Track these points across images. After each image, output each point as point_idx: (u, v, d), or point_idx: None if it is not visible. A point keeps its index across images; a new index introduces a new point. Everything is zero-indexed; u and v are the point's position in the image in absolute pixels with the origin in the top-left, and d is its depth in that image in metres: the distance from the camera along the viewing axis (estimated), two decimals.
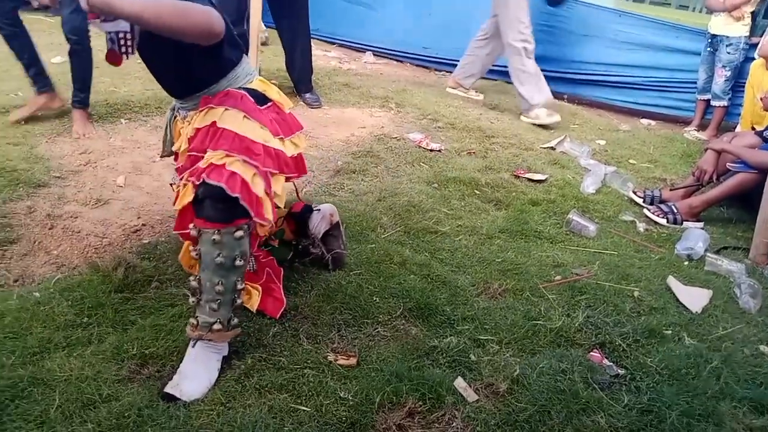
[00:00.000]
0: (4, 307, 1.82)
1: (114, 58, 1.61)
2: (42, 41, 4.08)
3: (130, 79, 4.22)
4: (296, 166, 1.83)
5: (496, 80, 5.43)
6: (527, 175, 3.29)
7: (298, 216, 2.13)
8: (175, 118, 1.87)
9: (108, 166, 2.90)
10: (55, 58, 4.58)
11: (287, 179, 1.80)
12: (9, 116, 3.25)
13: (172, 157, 1.96)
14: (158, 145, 1.93)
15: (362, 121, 3.96)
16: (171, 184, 2.01)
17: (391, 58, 5.98)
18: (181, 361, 1.63)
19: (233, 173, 1.55)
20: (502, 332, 1.92)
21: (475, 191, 3.02)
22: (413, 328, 1.92)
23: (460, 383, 1.67)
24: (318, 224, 2.14)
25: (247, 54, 1.93)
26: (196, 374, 1.59)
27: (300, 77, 4.19)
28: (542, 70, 4.44)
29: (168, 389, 1.54)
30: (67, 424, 1.41)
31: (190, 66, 1.68)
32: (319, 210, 2.15)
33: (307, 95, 4.19)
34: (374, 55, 5.97)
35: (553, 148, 3.86)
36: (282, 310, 1.89)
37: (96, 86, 3.95)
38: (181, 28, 1.46)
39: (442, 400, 1.61)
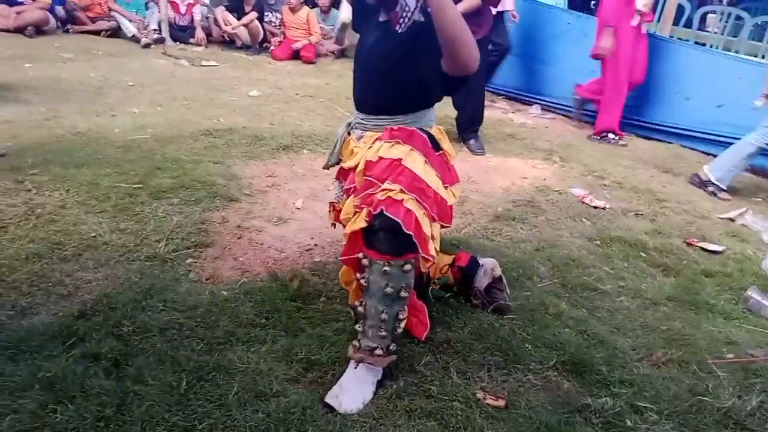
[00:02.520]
0: (198, 300, 2.08)
1: (395, 20, 1.76)
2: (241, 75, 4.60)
3: (313, 115, 4.65)
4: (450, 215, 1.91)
5: (671, 143, 5.17)
6: (701, 244, 3.07)
7: (465, 269, 2.20)
8: (348, 135, 2.00)
9: (290, 189, 3.20)
10: (252, 91, 5.19)
11: (442, 226, 1.89)
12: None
13: (335, 169, 2.09)
14: (334, 175, 2.12)
15: (524, 172, 3.97)
16: (331, 203, 2.14)
17: (557, 112, 5.94)
18: (341, 372, 1.75)
19: (409, 210, 1.65)
20: (663, 402, 1.81)
21: (641, 254, 2.89)
22: (566, 382, 1.88)
23: None
24: (481, 278, 2.20)
25: None
26: (354, 391, 1.70)
27: (468, 124, 4.33)
28: (721, 137, 4.11)
29: (328, 399, 1.66)
30: (242, 410, 1.58)
31: (411, 80, 1.80)
32: (482, 266, 2.21)
33: (472, 142, 4.30)
34: (542, 108, 5.96)
35: (732, 220, 3.57)
36: (426, 333, 1.94)
37: (284, 120, 4.43)
38: (459, 42, 1.62)
39: None
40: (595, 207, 3.43)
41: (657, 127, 5.29)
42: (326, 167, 2.14)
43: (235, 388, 1.65)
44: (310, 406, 1.62)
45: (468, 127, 4.34)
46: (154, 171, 3.09)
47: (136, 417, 1.49)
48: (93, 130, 3.65)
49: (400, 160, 1.74)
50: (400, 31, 1.75)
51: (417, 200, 1.69)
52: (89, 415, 1.49)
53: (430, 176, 1.76)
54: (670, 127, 5.20)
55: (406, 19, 1.73)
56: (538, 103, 6.03)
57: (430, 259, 1.74)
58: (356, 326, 1.77)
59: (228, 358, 1.77)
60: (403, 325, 1.77)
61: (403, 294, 1.71)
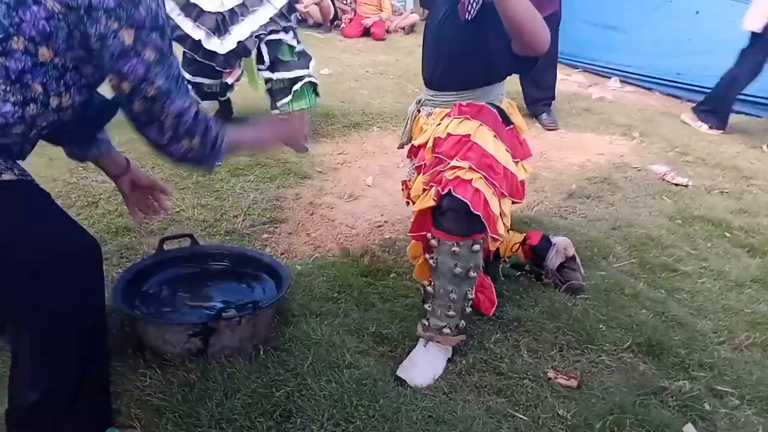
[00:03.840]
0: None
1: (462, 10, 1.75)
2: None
3: (383, 93, 4.67)
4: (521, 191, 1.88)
5: (759, 116, 4.84)
6: None
7: (536, 247, 2.16)
8: (418, 112, 1.99)
9: (360, 167, 3.25)
10: (324, 69, 5.24)
11: (513, 202, 1.86)
12: None
13: (406, 147, 2.09)
14: (403, 153, 2.12)
15: (600, 148, 3.84)
16: (403, 181, 2.14)
17: (638, 85, 5.67)
18: (411, 347, 1.78)
19: (477, 190, 1.63)
20: (745, 387, 1.73)
21: (725, 233, 2.74)
22: (641, 363, 1.83)
23: (690, 430, 1.56)
24: (553, 257, 2.16)
25: None
26: (424, 366, 1.73)
27: (540, 98, 4.21)
28: None
29: (399, 373, 1.70)
30: (316, 379, 1.64)
31: (480, 57, 1.78)
32: (555, 244, 2.17)
33: (544, 116, 4.19)
34: (620, 81, 5.71)
35: None
36: (493, 310, 1.94)
37: (354, 98, 4.46)
38: (527, 32, 1.62)
39: None
40: (676, 184, 3.28)
41: (745, 98, 4.95)
42: (400, 146, 2.14)
43: (309, 359, 1.71)
44: (382, 378, 1.66)
45: (539, 101, 4.22)
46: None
47: (219, 383, 1.58)
48: None
49: (468, 136, 1.72)
50: (469, 19, 1.72)
51: (486, 178, 1.66)
52: (176, 380, 1.59)
53: (499, 152, 1.74)
54: (759, 98, 4.84)
55: (474, 6, 1.71)
56: (617, 76, 5.77)
57: (499, 238, 1.73)
58: (425, 305, 1.79)
59: (302, 330, 1.84)
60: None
61: (471, 274, 1.71)
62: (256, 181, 2.89)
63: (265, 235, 2.46)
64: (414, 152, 2.02)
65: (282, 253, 2.35)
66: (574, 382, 1.71)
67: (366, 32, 7.16)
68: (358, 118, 3.94)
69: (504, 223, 1.76)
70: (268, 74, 3.15)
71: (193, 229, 2.40)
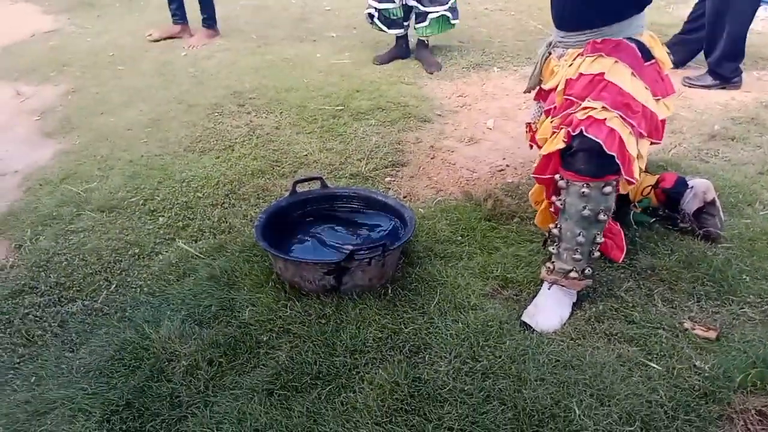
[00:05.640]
0: None
1: None
2: None
3: (504, 30, 4.48)
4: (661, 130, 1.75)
5: None
6: None
7: (670, 190, 2.03)
8: (549, 55, 1.91)
9: (480, 109, 3.18)
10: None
11: (651, 143, 1.74)
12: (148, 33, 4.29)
13: (534, 93, 2.03)
14: (526, 95, 2.04)
15: (746, 85, 3.47)
16: (528, 124, 2.08)
17: None
18: (536, 291, 1.77)
19: (612, 130, 1.55)
20: None
21: None
22: None
23: None
24: (690, 201, 2.01)
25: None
26: (550, 310, 1.71)
27: (723, 57, 3.57)
28: None
29: (525, 318, 1.70)
30: (443, 319, 1.69)
31: None
32: (692, 187, 2.02)
33: None
34: None
35: None
36: (622, 257, 1.86)
37: (473, 37, 4.33)
38: None
39: None
40: None
41: None
42: (527, 90, 2.07)
43: (435, 299, 1.76)
44: (507, 321, 1.68)
45: (722, 60, 3.40)
46: (353, 93, 3.26)
47: (352, 317, 1.68)
48: (298, 56, 3.92)
49: (602, 74, 1.63)
50: None
51: (622, 117, 1.58)
52: (313, 312, 1.71)
53: (637, 89, 1.63)
54: None
55: None
56: (766, 3, 5.11)
57: (633, 181, 1.64)
58: (550, 248, 1.75)
59: (428, 271, 1.89)
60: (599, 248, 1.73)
61: (601, 217, 1.65)
62: (378, 125, 2.94)
63: (388, 179, 2.51)
64: (543, 96, 1.95)
65: (405, 196, 2.39)
66: (713, 334, 1.63)
67: None
68: (477, 58, 3.84)
69: (639, 166, 1.68)
70: (413, 2, 3.58)
71: (321, 171, 2.50)
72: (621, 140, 1.56)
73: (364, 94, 3.26)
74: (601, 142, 1.54)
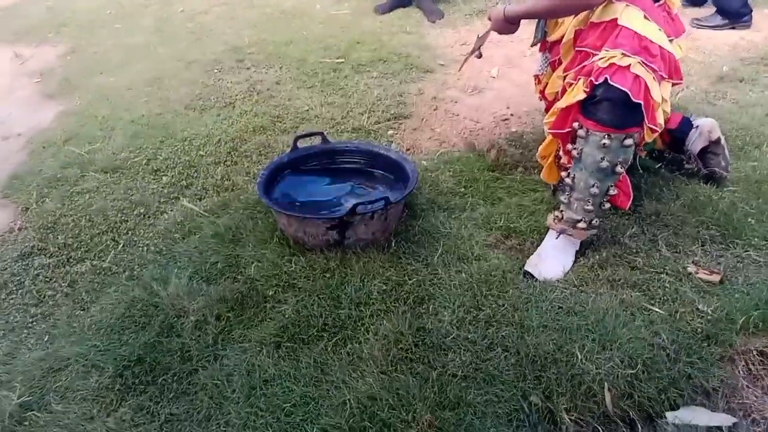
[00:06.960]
0: None
1: None
2: None
3: None
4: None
5: None
6: None
7: (675, 131, 1.99)
8: None
9: (484, 57, 3.11)
10: None
11: (673, 84, 1.70)
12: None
13: (539, 46, 1.98)
14: (530, 41, 1.99)
15: (757, 24, 3.37)
16: (536, 75, 2.04)
17: None
18: (540, 240, 1.78)
19: (637, 77, 1.49)
20: None
21: None
22: None
23: None
24: (695, 141, 1.98)
25: None
26: (553, 259, 1.71)
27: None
28: None
29: (528, 268, 1.70)
30: (446, 269, 1.70)
31: None
32: (697, 127, 1.98)
33: None
34: None
35: None
36: (629, 203, 1.82)
37: None
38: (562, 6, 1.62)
39: None
40: None
41: None
42: (533, 45, 2.02)
43: (439, 251, 1.77)
44: (510, 270, 1.69)
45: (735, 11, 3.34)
46: (353, 45, 3.20)
47: (356, 270, 1.69)
48: (297, 8, 3.84)
49: (615, 20, 1.57)
50: None
51: (643, 63, 1.52)
52: (318, 267, 1.72)
53: (651, 31, 1.57)
54: None
55: None
56: None
57: (657, 129, 1.60)
58: (561, 197, 1.74)
59: (431, 223, 1.89)
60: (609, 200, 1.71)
61: (618, 169, 1.61)
62: (380, 77, 2.89)
63: (390, 132, 2.49)
64: (549, 47, 1.90)
65: (407, 149, 2.38)
66: (716, 277, 1.64)
67: None
68: (481, 3, 3.74)
69: (664, 110, 1.64)
70: None
71: (322, 127, 2.48)
72: (647, 87, 1.51)
73: (365, 46, 3.20)
74: (627, 91, 1.48)
